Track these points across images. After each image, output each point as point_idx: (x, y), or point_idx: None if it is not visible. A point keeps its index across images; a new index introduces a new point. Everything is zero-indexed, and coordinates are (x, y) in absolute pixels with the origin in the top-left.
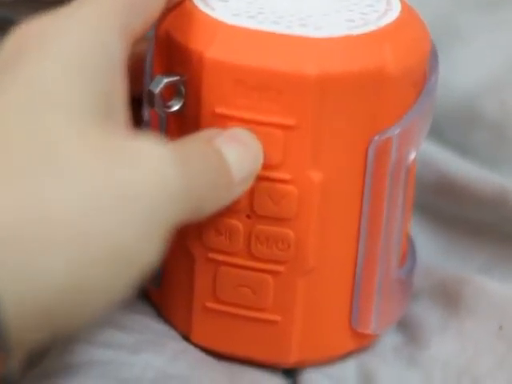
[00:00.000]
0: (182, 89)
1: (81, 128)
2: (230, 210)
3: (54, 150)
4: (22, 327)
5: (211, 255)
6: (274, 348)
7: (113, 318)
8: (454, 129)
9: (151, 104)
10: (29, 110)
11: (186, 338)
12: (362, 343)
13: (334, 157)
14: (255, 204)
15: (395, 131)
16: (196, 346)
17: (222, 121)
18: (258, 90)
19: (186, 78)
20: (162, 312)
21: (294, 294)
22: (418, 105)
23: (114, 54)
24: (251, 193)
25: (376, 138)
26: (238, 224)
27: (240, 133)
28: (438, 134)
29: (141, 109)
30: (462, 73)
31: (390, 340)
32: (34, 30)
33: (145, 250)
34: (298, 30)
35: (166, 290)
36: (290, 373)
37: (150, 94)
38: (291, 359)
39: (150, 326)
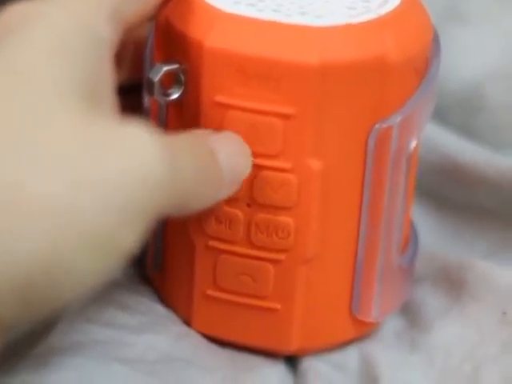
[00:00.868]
0: (182, 77)
1: (62, 111)
2: (230, 199)
3: (34, 134)
4: None
5: (211, 243)
6: (275, 336)
7: (117, 298)
8: (459, 113)
9: (151, 92)
10: (9, 93)
11: (188, 325)
12: (364, 330)
13: (334, 145)
14: (255, 192)
15: (396, 119)
16: (197, 332)
17: (222, 109)
18: (258, 78)
19: (186, 66)
20: (164, 298)
21: (294, 282)
22: (419, 93)
23: (100, 38)
24: (251, 181)
25: (377, 126)
26: (238, 212)
27: (231, 135)
28: (442, 118)
29: (141, 96)
30: (468, 57)
31: (392, 325)
32: (15, 14)
33: (123, 237)
34: (298, 18)
35: (167, 276)
36: (292, 360)
37: (150, 81)
38: (292, 347)
39: (154, 308)
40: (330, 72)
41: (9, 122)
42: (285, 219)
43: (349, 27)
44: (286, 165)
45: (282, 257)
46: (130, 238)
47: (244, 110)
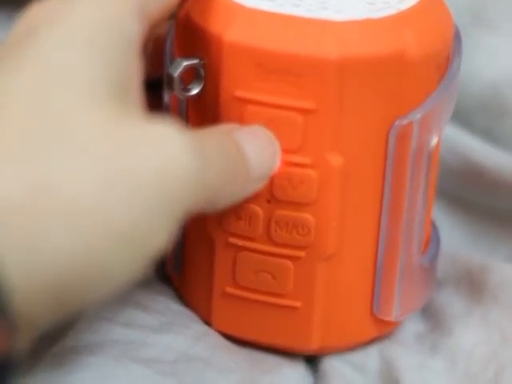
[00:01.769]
0: (202, 72)
1: (97, 110)
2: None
3: (68, 131)
4: (28, 300)
5: (231, 240)
6: (295, 334)
7: (136, 298)
8: (482, 116)
9: (170, 87)
10: (40, 89)
11: (207, 324)
12: (384, 330)
13: (354, 141)
14: (275, 189)
15: (417, 115)
16: (217, 332)
17: (242, 104)
18: (278, 73)
19: (206, 61)
20: (183, 297)
21: (314, 280)
22: (440, 89)
23: (129, 35)
24: (271, 177)
25: (397, 122)
26: (257, 209)
27: (259, 130)
28: (465, 121)
29: (162, 92)
30: (492, 61)
31: (413, 327)
32: (45, 9)
33: (154, 235)
34: (318, 13)
35: (186, 275)
36: (312, 360)
37: (170, 77)
38: (312, 346)
39: (173, 308)
40: (349, 67)
41: (46, 122)
42: (305, 216)
43: (368, 22)
44: (306, 160)
45: (301, 254)
46: (161, 237)
47: (264, 104)
